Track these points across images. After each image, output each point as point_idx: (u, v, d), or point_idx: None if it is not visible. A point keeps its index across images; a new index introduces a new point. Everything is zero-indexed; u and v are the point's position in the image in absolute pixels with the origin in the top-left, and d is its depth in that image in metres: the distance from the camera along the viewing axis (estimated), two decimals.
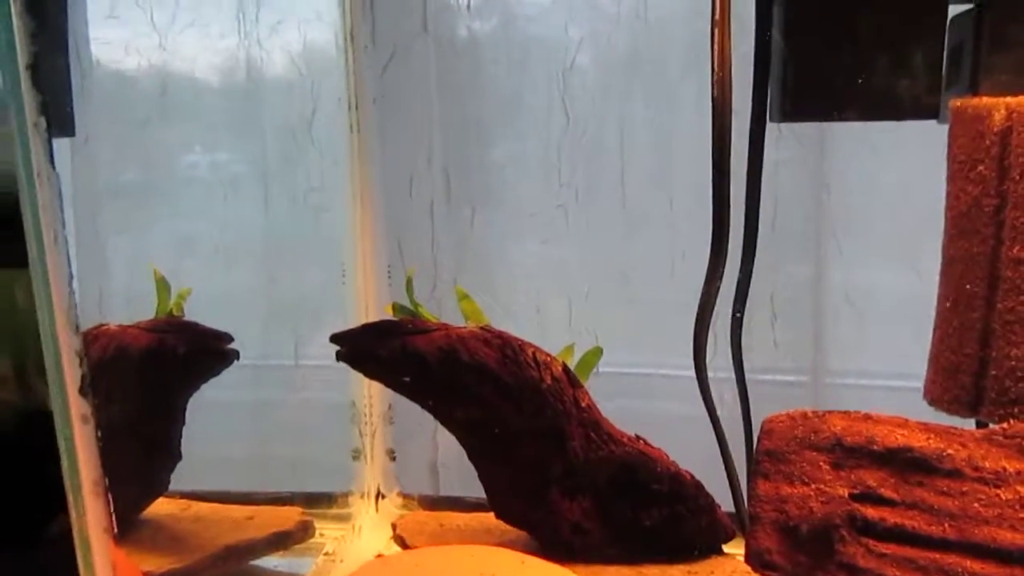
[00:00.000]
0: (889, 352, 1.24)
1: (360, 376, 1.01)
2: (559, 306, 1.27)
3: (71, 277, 0.46)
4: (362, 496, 0.96)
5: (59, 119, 1.04)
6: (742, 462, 0.93)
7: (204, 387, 0.85)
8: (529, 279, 1.27)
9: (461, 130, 1.24)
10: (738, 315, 0.93)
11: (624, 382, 1.27)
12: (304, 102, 1.20)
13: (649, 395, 1.28)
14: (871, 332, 1.24)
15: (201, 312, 1.18)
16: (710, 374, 0.95)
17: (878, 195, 1.21)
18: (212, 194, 1.24)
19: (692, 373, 1.03)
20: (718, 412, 0.95)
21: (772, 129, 1.15)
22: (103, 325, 0.76)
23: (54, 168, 0.44)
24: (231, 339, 0.75)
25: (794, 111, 0.93)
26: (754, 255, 0.87)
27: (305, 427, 1.02)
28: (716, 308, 0.94)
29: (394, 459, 0.99)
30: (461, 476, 0.94)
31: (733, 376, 0.97)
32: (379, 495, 0.97)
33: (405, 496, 0.99)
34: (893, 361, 1.23)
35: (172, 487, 0.88)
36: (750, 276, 0.88)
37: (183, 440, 0.82)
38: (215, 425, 1.11)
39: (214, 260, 1.23)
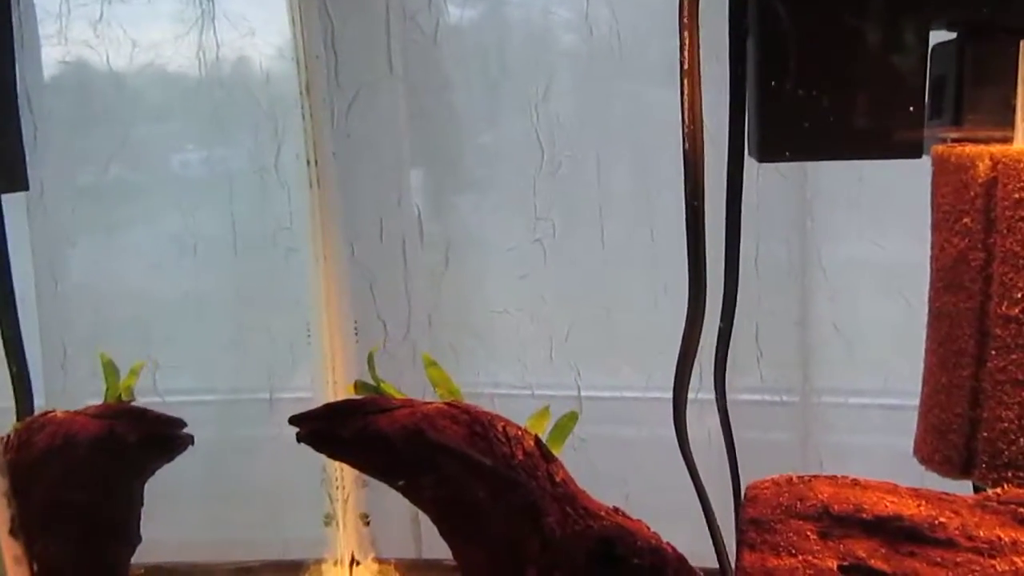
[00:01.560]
0: (878, 378, 1.21)
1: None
2: (540, 343, 1.24)
3: None
4: (335, 563, 0.92)
5: (11, 174, 1.00)
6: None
7: None
8: (507, 316, 1.24)
9: (432, 167, 1.20)
10: (722, 402, 0.89)
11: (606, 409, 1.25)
12: (270, 143, 1.16)
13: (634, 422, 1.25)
14: (860, 358, 1.22)
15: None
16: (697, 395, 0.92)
17: (863, 218, 1.19)
18: (181, 242, 1.21)
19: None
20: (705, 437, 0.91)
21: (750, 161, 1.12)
22: (49, 412, 0.72)
23: None
24: (183, 424, 0.71)
25: (770, 151, 0.90)
26: (734, 311, 0.84)
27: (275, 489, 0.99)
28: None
29: (368, 524, 0.96)
30: None
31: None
32: (353, 562, 0.94)
33: (381, 562, 0.95)
34: (883, 389, 1.21)
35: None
36: (729, 335, 0.85)
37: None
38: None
39: (182, 310, 1.19)
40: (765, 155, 0.90)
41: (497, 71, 1.20)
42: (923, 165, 1.02)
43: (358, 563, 0.94)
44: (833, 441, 1.26)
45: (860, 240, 1.20)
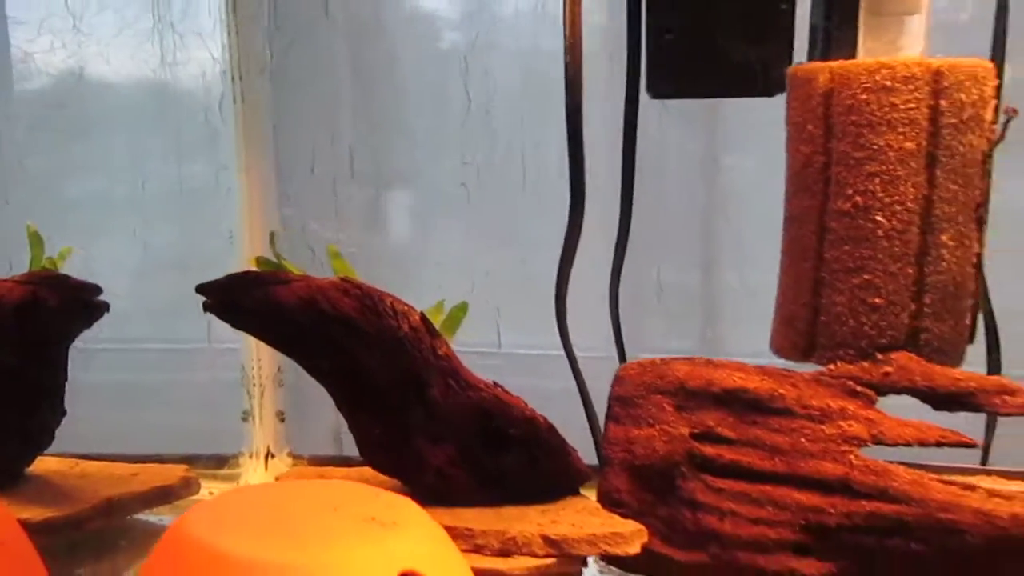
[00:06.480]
0: None
1: (248, 339, 1.05)
2: (461, 284, 1.30)
3: None
4: (251, 456, 0.99)
5: None
6: None
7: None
8: (432, 257, 1.31)
9: (364, 109, 1.27)
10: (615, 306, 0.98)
11: (525, 361, 1.31)
12: (217, 83, 1.22)
13: (549, 375, 1.31)
14: (764, 310, 1.29)
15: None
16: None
17: (770, 171, 1.27)
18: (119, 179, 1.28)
19: (591, 354, 1.08)
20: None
21: (657, 106, 1.20)
22: None
23: None
24: (100, 291, 0.78)
25: (658, 88, 0.99)
26: (628, 229, 0.93)
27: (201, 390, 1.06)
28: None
29: (283, 420, 1.02)
30: None
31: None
32: (269, 455, 1.01)
33: (295, 456, 1.02)
34: None
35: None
36: (624, 250, 0.93)
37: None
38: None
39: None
40: (654, 92, 0.99)
41: (431, 20, 1.27)
42: None
43: (273, 456, 1.01)
44: None
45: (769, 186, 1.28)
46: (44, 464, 0.91)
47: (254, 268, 0.79)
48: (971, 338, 0.80)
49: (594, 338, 1.12)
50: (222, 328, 1.20)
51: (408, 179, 1.28)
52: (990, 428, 0.91)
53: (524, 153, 1.28)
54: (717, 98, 1.04)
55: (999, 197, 0.85)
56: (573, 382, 1.10)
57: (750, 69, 0.94)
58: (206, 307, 0.77)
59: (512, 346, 1.31)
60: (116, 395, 1.19)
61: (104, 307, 0.79)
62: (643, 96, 1.01)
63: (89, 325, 0.79)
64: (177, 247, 1.25)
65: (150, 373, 1.27)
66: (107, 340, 1.03)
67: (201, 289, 0.76)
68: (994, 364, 0.92)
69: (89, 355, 1.06)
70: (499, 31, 1.26)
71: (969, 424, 0.79)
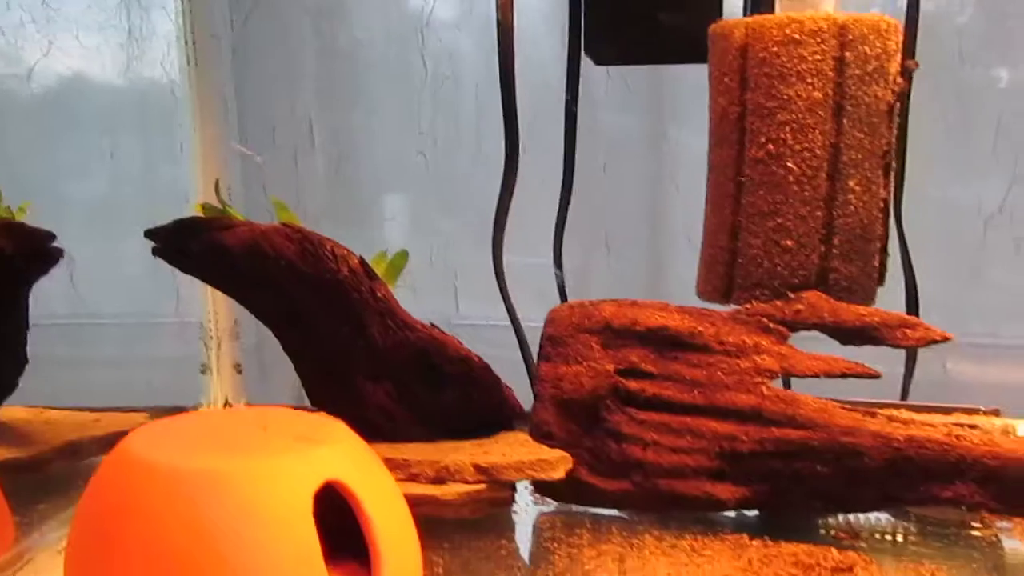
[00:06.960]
0: None
1: (205, 294, 1.10)
2: (421, 249, 1.35)
3: None
4: (209, 407, 1.03)
5: None
6: None
7: None
8: (392, 222, 1.36)
9: (324, 79, 1.31)
10: (558, 271, 1.03)
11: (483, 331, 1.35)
12: (181, 55, 1.27)
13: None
14: None
15: None
16: None
17: None
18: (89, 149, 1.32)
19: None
20: None
21: (603, 74, 1.25)
22: None
23: None
24: (54, 237, 0.82)
25: (599, 56, 1.03)
26: (571, 186, 0.97)
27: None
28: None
29: (240, 372, 1.07)
30: None
31: None
32: (227, 405, 1.05)
33: (252, 406, 1.06)
34: None
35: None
36: (566, 211, 0.98)
37: None
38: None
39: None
40: (596, 59, 1.03)
41: None
42: None
43: (230, 405, 1.05)
44: None
45: None
46: (11, 412, 0.95)
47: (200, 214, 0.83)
48: (880, 280, 0.85)
49: (545, 309, 1.17)
50: (189, 302, 1.27)
51: (367, 149, 1.33)
52: (909, 368, 0.96)
53: (479, 123, 1.32)
54: (656, 64, 1.08)
55: None
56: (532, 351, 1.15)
57: (687, 36, 0.98)
58: (155, 252, 0.81)
59: (470, 316, 1.36)
60: (86, 364, 1.24)
61: (59, 253, 0.83)
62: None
63: (46, 271, 0.83)
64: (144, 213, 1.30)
65: (120, 344, 1.32)
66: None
67: (150, 234, 0.80)
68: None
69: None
70: (455, 5, 1.31)
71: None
